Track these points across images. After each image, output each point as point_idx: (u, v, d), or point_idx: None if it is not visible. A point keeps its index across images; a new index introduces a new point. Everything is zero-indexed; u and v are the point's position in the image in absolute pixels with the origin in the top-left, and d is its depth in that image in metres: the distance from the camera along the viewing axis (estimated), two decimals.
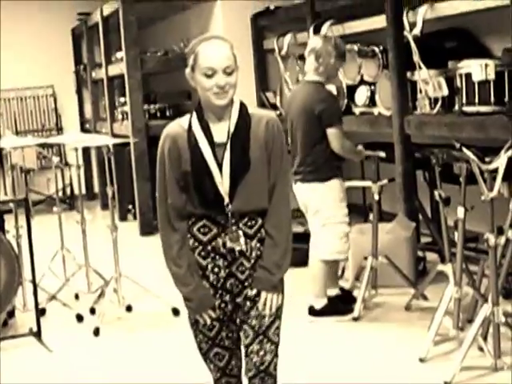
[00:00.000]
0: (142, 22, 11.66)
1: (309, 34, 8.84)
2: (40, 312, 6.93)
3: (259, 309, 3.65)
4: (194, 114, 3.64)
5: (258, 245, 3.70)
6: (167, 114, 11.78)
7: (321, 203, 6.51)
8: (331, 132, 6.47)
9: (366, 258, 6.96)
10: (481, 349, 5.46)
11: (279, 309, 3.73)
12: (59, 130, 14.55)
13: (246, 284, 3.68)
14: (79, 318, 7.22)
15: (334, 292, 6.88)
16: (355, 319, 6.67)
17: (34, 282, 6.90)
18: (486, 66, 6.50)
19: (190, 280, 3.63)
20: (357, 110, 8.40)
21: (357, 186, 7.14)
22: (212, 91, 3.47)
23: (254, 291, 3.66)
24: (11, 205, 7.33)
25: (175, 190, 3.63)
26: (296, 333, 6.12)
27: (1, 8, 13.79)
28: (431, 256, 7.93)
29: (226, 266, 3.66)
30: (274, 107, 10.38)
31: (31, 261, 6.85)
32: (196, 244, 3.68)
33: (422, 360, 5.61)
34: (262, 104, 10.75)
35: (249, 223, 3.67)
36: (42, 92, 14.67)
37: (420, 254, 7.84)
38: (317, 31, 8.59)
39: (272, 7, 10.36)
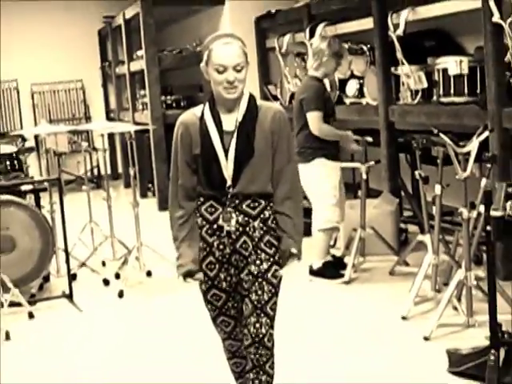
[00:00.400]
0: (160, 24, 11.64)
1: (305, 35, 8.90)
2: (71, 277, 6.92)
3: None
4: (207, 104, 3.61)
5: (261, 225, 3.62)
6: (182, 104, 11.77)
7: (307, 182, 6.27)
8: (309, 116, 6.52)
9: (355, 230, 6.95)
10: (455, 308, 5.47)
11: (278, 286, 3.68)
12: (87, 118, 14.53)
13: (250, 260, 3.61)
14: (106, 282, 7.22)
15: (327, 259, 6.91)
16: (346, 282, 6.68)
17: (66, 250, 6.90)
18: (461, 62, 6.50)
19: (182, 250, 3.61)
20: (347, 101, 8.37)
21: (347, 166, 7.10)
22: (223, 85, 3.44)
23: (258, 268, 3.60)
24: (46, 184, 7.30)
25: (186, 171, 3.61)
26: (297, 292, 6.19)
27: (38, 13, 13.85)
28: (412, 228, 7.93)
29: (230, 243, 3.60)
30: (275, 98, 10.45)
31: (63, 232, 6.84)
32: (204, 223, 3.62)
33: (404, 318, 5.62)
34: (264, 96, 10.77)
35: (252, 205, 3.59)
36: (73, 85, 14.64)
37: (402, 225, 7.85)
38: (312, 32, 8.61)
39: (273, 11, 10.33)
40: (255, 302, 3.62)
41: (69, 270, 6.89)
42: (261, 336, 3.61)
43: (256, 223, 3.61)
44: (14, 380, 5.19)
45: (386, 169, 7.74)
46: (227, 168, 3.55)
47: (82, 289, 7.05)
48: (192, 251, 3.61)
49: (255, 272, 3.61)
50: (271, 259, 3.64)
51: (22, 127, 13.86)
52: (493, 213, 3.65)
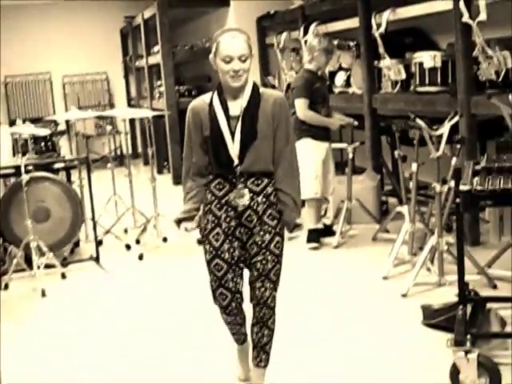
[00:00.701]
0: (174, 24, 11.58)
1: (300, 32, 8.85)
2: (98, 242, 6.93)
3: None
4: (215, 91, 3.56)
5: (264, 199, 3.56)
6: (192, 93, 11.72)
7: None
8: (296, 102, 6.60)
9: (343, 202, 6.97)
10: (428, 269, 5.48)
11: (280, 255, 3.64)
12: (111, 105, 14.51)
13: (255, 231, 3.56)
14: (127, 246, 7.26)
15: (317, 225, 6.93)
16: (335, 247, 6.71)
17: (93, 220, 6.93)
18: (435, 56, 6.50)
19: (184, 206, 3.66)
20: (336, 90, 8.34)
21: (336, 147, 7.09)
22: (229, 74, 3.39)
23: (262, 238, 3.57)
24: (76, 162, 7.32)
25: (199, 151, 3.58)
26: (291, 255, 6.10)
27: (68, 15, 13.84)
28: (392, 200, 7.93)
29: (236, 216, 3.54)
30: (273, 88, 10.39)
31: (91, 204, 6.84)
32: (213, 198, 3.56)
33: (384, 278, 5.64)
34: (264, 85, 10.74)
35: (255, 182, 3.54)
36: (98, 77, 14.60)
37: (383, 198, 7.84)
38: (306, 30, 8.59)
39: (272, 12, 10.31)
40: (260, 270, 3.59)
41: (96, 236, 6.92)
42: (265, 298, 3.60)
43: (260, 198, 3.55)
44: (51, 328, 5.26)
45: (370, 149, 7.73)
46: (234, 149, 3.50)
47: (107, 252, 7.06)
48: (191, 207, 3.64)
49: (259, 242, 3.57)
50: (273, 231, 3.59)
51: (54, 113, 13.83)
52: (461, 187, 3.65)
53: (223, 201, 3.54)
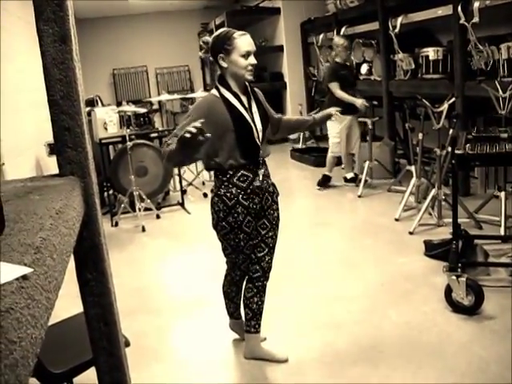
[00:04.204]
0: (238, 28, 11.25)
1: (333, 33, 8.72)
2: (183, 192, 7.03)
3: None
4: (220, 87, 2.95)
5: (271, 181, 3.12)
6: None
7: (327, 128, 7.06)
8: (329, 85, 6.80)
9: (365, 161, 6.87)
10: (430, 214, 5.44)
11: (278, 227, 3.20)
12: (192, 90, 14.44)
13: (267, 212, 3.10)
14: (205, 195, 7.31)
15: (350, 175, 7.26)
16: (359, 196, 6.65)
17: (179, 175, 7.00)
18: (437, 51, 6.37)
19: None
20: (361, 77, 8.19)
21: (361, 120, 7.02)
22: (247, 69, 2.87)
23: (271, 216, 3.10)
24: (166, 132, 7.37)
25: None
26: (322, 199, 6.12)
27: (159, 22, 13.85)
28: (403, 161, 7.81)
29: (259, 201, 3.01)
30: (313, 76, 10.32)
31: None
32: (239, 191, 2.94)
33: (396, 219, 5.62)
34: (306, 74, 10.67)
35: (265, 166, 3.06)
36: (182, 69, 14.57)
37: (396, 159, 7.73)
38: (338, 32, 8.47)
39: (312, 18, 10.17)
40: (270, 245, 3.12)
41: (181, 187, 7.02)
42: (269, 267, 3.16)
43: (269, 180, 3.11)
44: (149, 254, 5.38)
45: (386, 122, 7.60)
46: (259, 137, 2.98)
47: (190, 200, 7.19)
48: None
49: (271, 219, 3.11)
50: (278, 208, 3.17)
51: (150, 96, 13.92)
52: (456, 151, 3.61)
53: (249, 190, 2.97)
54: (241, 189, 2.96)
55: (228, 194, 2.96)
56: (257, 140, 2.96)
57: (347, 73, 6.92)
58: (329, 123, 6.84)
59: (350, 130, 6.97)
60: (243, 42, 2.89)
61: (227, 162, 2.92)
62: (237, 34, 2.91)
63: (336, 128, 6.89)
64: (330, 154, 7.12)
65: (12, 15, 6.51)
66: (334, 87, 6.71)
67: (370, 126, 6.81)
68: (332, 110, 3.37)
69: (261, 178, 3.00)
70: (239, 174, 2.95)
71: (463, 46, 5.81)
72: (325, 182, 7.09)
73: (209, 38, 3.01)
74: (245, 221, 3.00)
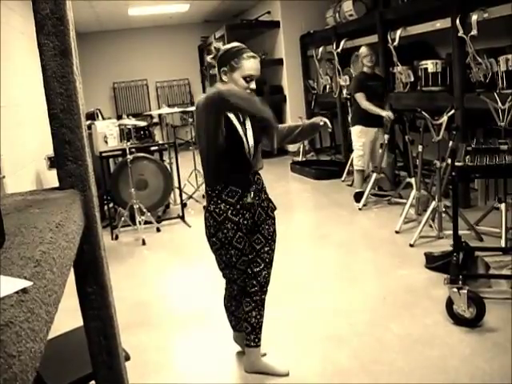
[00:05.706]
0: (237, 41, 11.34)
1: (333, 46, 8.77)
2: (183, 205, 7.03)
3: None
4: None
5: (265, 195, 3.06)
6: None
7: (352, 139, 6.89)
8: (355, 96, 6.55)
9: (372, 172, 6.75)
10: (430, 226, 5.42)
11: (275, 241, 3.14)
12: (192, 103, 14.50)
13: (261, 227, 3.04)
14: (205, 208, 7.25)
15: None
16: (360, 209, 6.64)
17: (179, 188, 7.01)
18: (436, 63, 6.40)
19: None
20: None
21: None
22: (246, 91, 2.83)
23: (266, 231, 3.05)
24: (166, 146, 7.38)
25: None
26: (326, 212, 6.08)
27: (159, 36, 13.91)
28: (403, 173, 7.81)
29: (250, 217, 2.95)
30: (313, 89, 10.34)
31: (178, 176, 6.97)
32: (228, 206, 2.89)
33: (397, 232, 5.61)
34: (306, 87, 10.69)
35: (258, 181, 3.00)
36: (182, 82, 14.65)
37: (397, 172, 7.73)
38: (337, 45, 8.50)
39: (311, 31, 10.21)
40: (266, 260, 3.07)
41: (181, 200, 7.01)
42: (266, 281, 3.10)
43: (263, 195, 3.04)
44: (149, 267, 5.36)
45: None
46: (249, 152, 2.91)
47: (190, 213, 7.18)
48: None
49: (266, 235, 3.06)
50: (274, 222, 3.11)
51: (150, 109, 13.98)
52: (456, 163, 3.61)
53: (238, 206, 2.90)
54: (230, 204, 2.90)
55: (217, 210, 2.92)
56: (247, 155, 2.91)
57: (375, 84, 6.59)
58: (353, 135, 6.70)
59: (375, 144, 6.70)
60: (249, 65, 2.87)
61: (219, 175, 2.89)
62: (246, 54, 2.88)
63: (359, 142, 6.68)
64: (355, 169, 6.90)
65: (14, 29, 6.55)
66: (360, 98, 6.43)
67: (386, 141, 6.59)
68: (318, 118, 3.14)
69: (252, 195, 2.94)
70: (228, 189, 2.90)
71: (462, 59, 5.84)
72: (359, 199, 6.73)
73: (221, 46, 3.00)
74: (235, 237, 2.94)
